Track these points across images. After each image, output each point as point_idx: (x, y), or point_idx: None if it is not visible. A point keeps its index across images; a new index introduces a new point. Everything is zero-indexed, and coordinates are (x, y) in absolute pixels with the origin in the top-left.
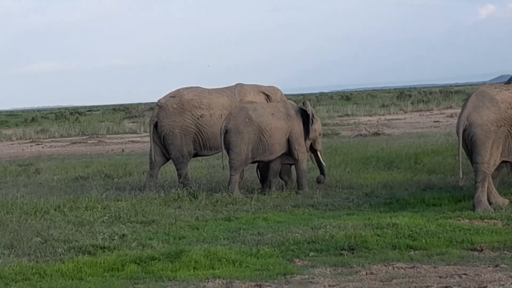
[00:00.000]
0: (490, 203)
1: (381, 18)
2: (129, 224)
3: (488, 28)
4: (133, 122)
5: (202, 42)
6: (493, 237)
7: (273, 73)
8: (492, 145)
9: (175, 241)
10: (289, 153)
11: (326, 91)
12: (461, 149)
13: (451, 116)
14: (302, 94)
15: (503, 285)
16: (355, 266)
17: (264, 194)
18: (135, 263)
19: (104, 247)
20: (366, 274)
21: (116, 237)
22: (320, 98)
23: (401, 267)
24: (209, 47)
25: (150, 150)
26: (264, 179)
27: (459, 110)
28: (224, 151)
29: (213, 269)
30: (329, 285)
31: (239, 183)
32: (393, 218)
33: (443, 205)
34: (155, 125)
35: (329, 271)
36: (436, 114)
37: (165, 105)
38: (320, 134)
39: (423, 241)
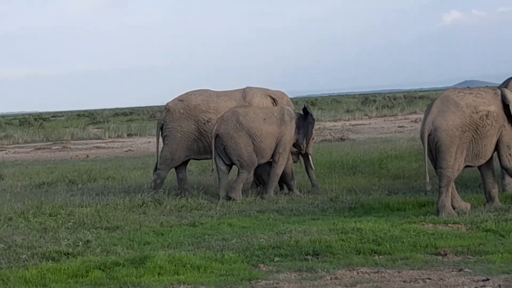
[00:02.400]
0: (453, 208)
1: (346, 24)
2: (93, 230)
3: (453, 34)
4: (98, 128)
5: (172, 48)
6: (456, 242)
7: (241, 78)
8: (456, 150)
9: (140, 247)
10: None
11: (291, 96)
12: (427, 154)
13: (415, 121)
14: None
15: None
16: (319, 271)
17: (262, 197)
18: (100, 269)
19: (68, 253)
20: (331, 279)
21: (80, 243)
22: None
23: (366, 272)
24: (180, 53)
25: (157, 153)
26: (259, 181)
27: (423, 115)
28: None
29: (177, 274)
30: None
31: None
32: (357, 223)
33: (407, 210)
34: (162, 128)
35: (294, 276)
36: (401, 119)
37: (172, 109)
38: (313, 138)
39: (387, 245)
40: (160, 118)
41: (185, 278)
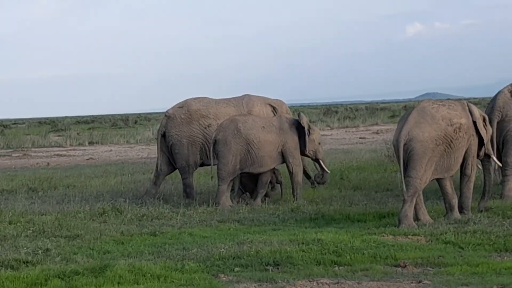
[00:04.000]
0: (418, 220)
1: (308, 35)
2: (53, 238)
3: (415, 46)
4: (59, 136)
5: (134, 55)
6: (416, 253)
7: (202, 86)
8: (427, 162)
9: (100, 256)
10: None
11: None
12: (402, 163)
13: (377, 132)
14: None
15: None
16: (280, 281)
17: (246, 203)
18: (59, 278)
19: (27, 262)
20: None
21: (39, 251)
22: None
23: (326, 283)
24: (143, 60)
25: (157, 159)
26: (245, 189)
27: (385, 127)
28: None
29: (137, 284)
30: None
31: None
32: (318, 234)
33: (367, 221)
34: (163, 135)
35: (254, 286)
36: (362, 130)
37: (173, 116)
38: (319, 144)
39: (348, 257)
40: (161, 126)
41: (145, 287)
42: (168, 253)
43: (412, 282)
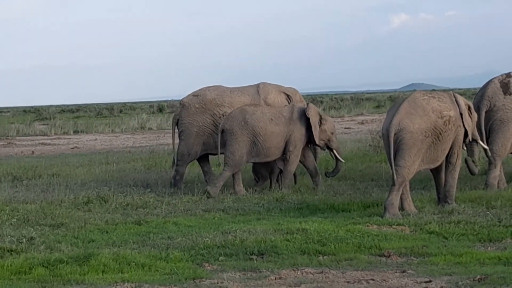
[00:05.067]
0: (403, 209)
1: (294, 26)
2: (37, 227)
3: (401, 37)
4: (44, 125)
5: (119, 46)
6: (400, 243)
7: (188, 77)
8: (416, 153)
9: (84, 245)
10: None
11: None
12: (391, 152)
13: (362, 123)
14: None
15: None
16: (264, 270)
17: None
18: (43, 266)
19: (12, 250)
20: (275, 279)
21: (24, 240)
22: None
23: (310, 272)
24: (127, 50)
25: (174, 148)
26: (259, 178)
27: (370, 117)
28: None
29: (122, 273)
30: None
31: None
32: (302, 224)
33: (352, 211)
34: (177, 123)
35: (239, 275)
36: (347, 121)
37: (187, 104)
38: (332, 133)
39: (332, 246)
40: (175, 114)
41: (129, 276)
42: (153, 242)
43: (396, 272)
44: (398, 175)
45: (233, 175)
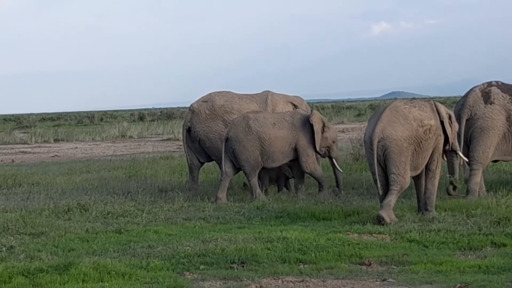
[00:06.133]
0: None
1: (274, 34)
2: (17, 235)
3: (381, 45)
4: (24, 133)
5: (101, 53)
6: (381, 252)
7: (170, 84)
8: (405, 160)
9: (64, 254)
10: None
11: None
12: (375, 160)
13: (343, 131)
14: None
15: None
16: (245, 279)
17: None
18: (23, 275)
19: None
20: None
21: (3, 248)
22: None
23: (291, 281)
24: (110, 58)
25: (186, 154)
26: (263, 185)
27: (351, 125)
28: (224, 157)
29: (102, 281)
30: None
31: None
32: (283, 232)
33: (333, 220)
34: (188, 130)
35: (219, 284)
36: None
37: (197, 111)
38: (334, 142)
39: (313, 255)
40: (185, 121)
41: (110, 285)
42: (133, 250)
43: (376, 280)
44: (396, 183)
45: (220, 181)
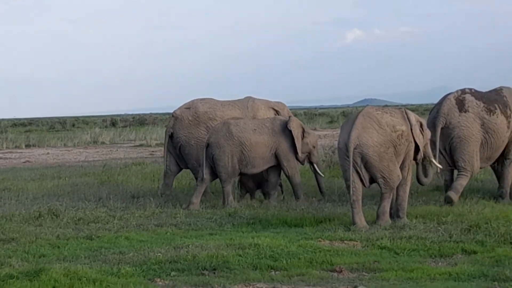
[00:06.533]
0: (354, 223)
1: (247, 40)
2: None
3: (354, 52)
4: None
5: (72, 58)
6: (352, 259)
7: (140, 90)
8: (388, 163)
9: (35, 260)
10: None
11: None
12: (351, 166)
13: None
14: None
15: None
16: (216, 286)
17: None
18: None
19: None
20: None
21: None
22: None
23: (262, 287)
24: (81, 63)
25: (165, 160)
26: (247, 191)
27: (323, 132)
28: (204, 163)
29: None
30: None
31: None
32: (255, 239)
33: (304, 226)
34: (171, 136)
35: None
36: None
37: (180, 117)
38: (314, 147)
39: (284, 261)
40: (168, 127)
41: None
42: (104, 257)
43: (347, 287)
44: (385, 185)
45: (196, 186)
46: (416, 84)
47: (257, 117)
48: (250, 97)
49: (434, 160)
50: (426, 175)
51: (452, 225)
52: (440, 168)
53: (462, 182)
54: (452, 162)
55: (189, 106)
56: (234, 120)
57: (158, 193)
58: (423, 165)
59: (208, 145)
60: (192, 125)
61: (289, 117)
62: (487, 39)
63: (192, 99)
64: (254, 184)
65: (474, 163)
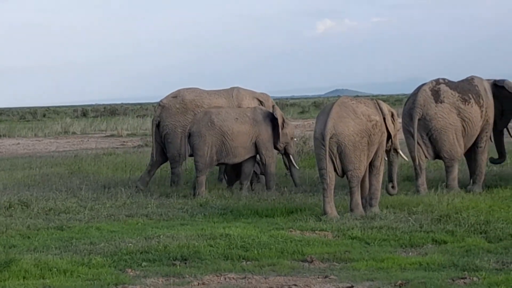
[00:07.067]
0: (325, 213)
1: (215, 30)
2: None
3: (325, 42)
4: None
5: (44, 47)
6: (323, 249)
7: (103, 84)
8: (360, 153)
9: (5, 250)
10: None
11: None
12: (327, 155)
13: None
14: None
15: None
16: (187, 276)
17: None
18: None
19: None
20: (198, 285)
21: None
22: None
23: (233, 278)
24: (51, 52)
25: (152, 148)
26: (230, 181)
27: (295, 123)
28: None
29: (43, 278)
30: None
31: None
32: (226, 229)
33: (276, 217)
34: (157, 125)
35: (161, 281)
36: None
37: (168, 106)
38: (292, 138)
39: (255, 251)
40: (155, 116)
41: (51, 282)
42: (75, 247)
43: (318, 277)
44: (353, 178)
45: (196, 177)
46: (387, 75)
47: (241, 106)
48: (235, 87)
49: (400, 152)
50: (393, 186)
51: (423, 215)
52: (406, 160)
53: (453, 175)
54: (433, 153)
55: (175, 95)
56: (215, 109)
57: (136, 180)
58: (390, 168)
59: (189, 135)
60: (180, 113)
61: (273, 106)
62: (458, 30)
63: (165, 89)
64: (237, 175)
65: (457, 150)
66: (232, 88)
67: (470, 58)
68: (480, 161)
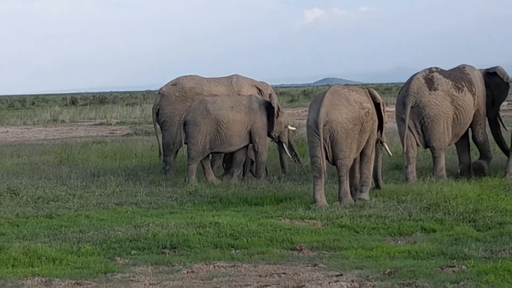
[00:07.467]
0: (315, 201)
1: (205, 20)
2: None
3: (314, 32)
4: None
5: (33, 35)
6: (312, 237)
7: (92, 72)
8: (351, 141)
9: None
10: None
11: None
12: (321, 142)
13: None
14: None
15: (320, 284)
16: (176, 264)
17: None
18: None
19: None
20: (187, 273)
21: None
22: None
23: (222, 266)
24: (41, 40)
25: (158, 138)
26: (228, 169)
27: (284, 111)
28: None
29: (32, 266)
30: (150, 284)
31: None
32: (215, 217)
33: (265, 205)
34: (157, 113)
35: (150, 269)
36: None
37: (167, 93)
38: (286, 127)
39: (244, 240)
40: (155, 104)
41: (40, 270)
42: (64, 235)
43: (307, 265)
44: (342, 167)
45: (188, 165)
46: (377, 64)
47: (241, 94)
48: (235, 75)
49: (386, 145)
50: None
51: (412, 203)
52: (390, 156)
53: (441, 165)
54: (424, 141)
55: (175, 83)
56: (211, 97)
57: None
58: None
59: (185, 123)
60: (179, 101)
61: (270, 95)
62: (447, 19)
63: (156, 78)
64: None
65: (445, 139)
66: (232, 76)
67: (458, 47)
68: (484, 149)
